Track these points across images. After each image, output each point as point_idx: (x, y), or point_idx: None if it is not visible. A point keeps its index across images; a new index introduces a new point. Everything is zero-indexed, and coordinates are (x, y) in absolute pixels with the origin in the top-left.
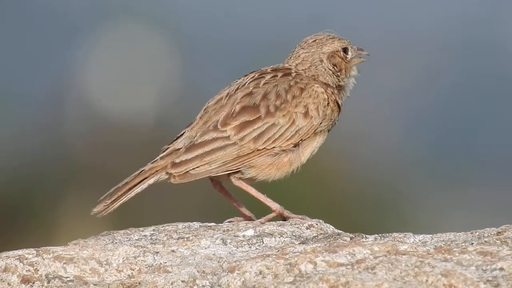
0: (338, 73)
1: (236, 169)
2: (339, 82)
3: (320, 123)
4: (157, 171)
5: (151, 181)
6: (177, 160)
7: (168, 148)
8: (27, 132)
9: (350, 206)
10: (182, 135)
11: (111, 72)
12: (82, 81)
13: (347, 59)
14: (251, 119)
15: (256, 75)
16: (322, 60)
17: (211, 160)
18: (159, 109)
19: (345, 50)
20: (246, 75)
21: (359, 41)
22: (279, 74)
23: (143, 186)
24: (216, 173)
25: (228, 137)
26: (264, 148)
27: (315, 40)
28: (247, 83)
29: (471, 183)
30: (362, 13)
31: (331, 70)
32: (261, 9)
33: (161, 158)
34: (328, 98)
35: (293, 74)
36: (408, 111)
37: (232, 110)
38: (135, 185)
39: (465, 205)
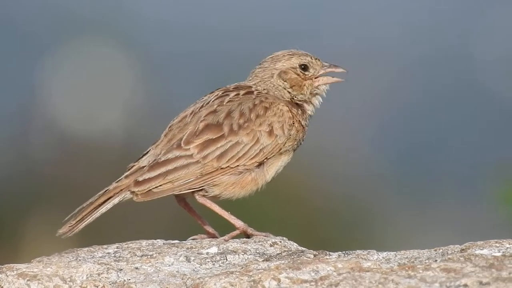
0: (290, 90)
1: (200, 187)
2: (293, 98)
3: (285, 143)
4: (121, 190)
5: (116, 200)
6: (140, 179)
7: (133, 166)
8: None
9: (316, 221)
10: (147, 153)
11: (77, 90)
12: (48, 99)
13: (306, 76)
14: (214, 137)
15: (220, 93)
16: (272, 76)
17: (174, 178)
18: (126, 126)
19: (303, 67)
20: (212, 92)
21: (328, 51)
22: (241, 92)
23: (108, 205)
24: (179, 191)
25: (191, 156)
26: (228, 166)
27: (272, 57)
28: (211, 101)
29: (436, 199)
30: (333, 22)
31: (280, 85)
32: (228, 21)
33: (125, 176)
34: (293, 118)
35: (255, 92)
36: (375, 124)
37: (196, 128)
38: (99, 205)
39: (429, 222)
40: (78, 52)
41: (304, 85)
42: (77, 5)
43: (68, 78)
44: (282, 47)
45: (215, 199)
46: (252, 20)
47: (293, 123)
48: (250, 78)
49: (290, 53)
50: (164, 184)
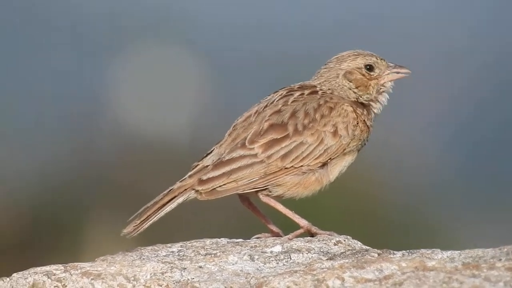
0: (355, 90)
1: (263, 187)
2: (358, 99)
3: (349, 144)
4: (185, 189)
5: (180, 199)
6: (204, 177)
7: (197, 165)
8: (60, 151)
9: (379, 224)
10: (211, 152)
11: (143, 93)
12: (114, 102)
13: (372, 76)
14: (279, 137)
15: (285, 92)
16: (338, 76)
17: (238, 177)
18: (192, 128)
19: (369, 67)
20: (276, 92)
21: (396, 60)
22: (306, 92)
23: (173, 205)
24: (243, 191)
25: (255, 155)
26: (292, 166)
27: (337, 57)
28: (275, 100)
29: (503, 203)
30: (401, 31)
31: (346, 86)
32: (292, 20)
33: (189, 176)
34: (357, 118)
35: (320, 92)
36: (442, 134)
37: (260, 128)
38: (164, 204)
39: (495, 223)
40: (143, 55)
41: (370, 85)
42: (142, 9)
43: (134, 81)
44: (347, 47)
45: (278, 198)
46: (317, 18)
47: (357, 124)
48: (315, 78)
49: (355, 53)
50: (228, 183)
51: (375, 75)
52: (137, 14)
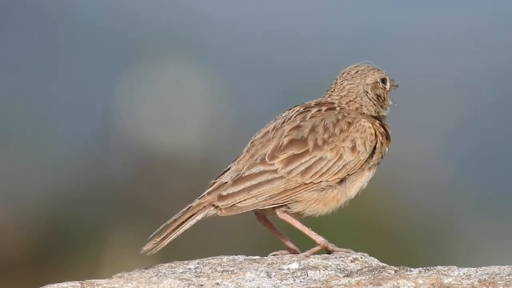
0: (382, 104)
1: (283, 202)
2: (383, 112)
3: (372, 158)
4: (204, 206)
5: (199, 217)
6: (224, 193)
7: (214, 183)
8: (76, 165)
9: (396, 240)
10: (228, 169)
11: (155, 106)
12: (127, 116)
13: (386, 89)
14: (299, 152)
15: (302, 109)
16: (367, 92)
17: (258, 193)
18: (205, 141)
19: (383, 81)
20: (291, 109)
21: (413, 73)
22: (323, 108)
23: (192, 222)
24: (263, 207)
25: (275, 171)
26: (311, 182)
27: (357, 72)
28: (293, 117)
29: None
30: (419, 42)
31: (375, 100)
32: (305, 29)
33: (208, 193)
34: (375, 133)
35: (338, 108)
36: (459, 150)
37: (280, 143)
38: (183, 222)
39: (509, 240)
40: (155, 68)
41: (385, 98)
42: (150, 23)
43: (146, 94)
44: (361, 58)
45: (298, 216)
46: (330, 27)
47: (376, 137)
48: (332, 92)
49: (370, 67)
50: (248, 198)
51: (387, 89)
52: (147, 28)
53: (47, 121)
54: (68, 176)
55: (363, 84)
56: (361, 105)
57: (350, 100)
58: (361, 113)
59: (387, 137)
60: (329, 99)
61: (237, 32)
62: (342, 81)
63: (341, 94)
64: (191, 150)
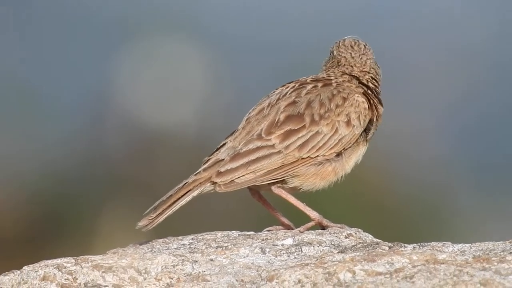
0: (379, 78)
1: (281, 177)
2: (377, 86)
3: (367, 133)
4: (200, 183)
5: (195, 193)
6: (222, 169)
7: (209, 159)
8: (68, 143)
9: (390, 218)
10: (223, 146)
11: (149, 83)
12: (121, 94)
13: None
14: (296, 128)
15: (296, 85)
16: (371, 65)
17: (256, 168)
18: (199, 118)
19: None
20: (284, 85)
21: (405, 49)
22: (319, 84)
23: (187, 198)
24: (261, 182)
25: (273, 146)
26: (308, 156)
27: (365, 46)
28: (288, 93)
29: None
30: (413, 17)
31: (375, 75)
32: (300, 7)
33: (204, 170)
34: (371, 107)
35: (334, 84)
36: (453, 126)
37: (276, 119)
38: (179, 198)
39: (505, 215)
40: (150, 45)
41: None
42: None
43: (141, 71)
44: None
45: (294, 191)
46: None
47: (370, 112)
48: (352, 65)
49: (365, 43)
50: (246, 174)
51: None
52: (142, 6)
53: (42, 100)
54: (64, 154)
55: (369, 58)
56: (379, 83)
57: (372, 78)
58: (354, 89)
59: (379, 112)
60: (325, 75)
61: (232, 10)
62: (360, 55)
63: (365, 70)
64: (186, 127)
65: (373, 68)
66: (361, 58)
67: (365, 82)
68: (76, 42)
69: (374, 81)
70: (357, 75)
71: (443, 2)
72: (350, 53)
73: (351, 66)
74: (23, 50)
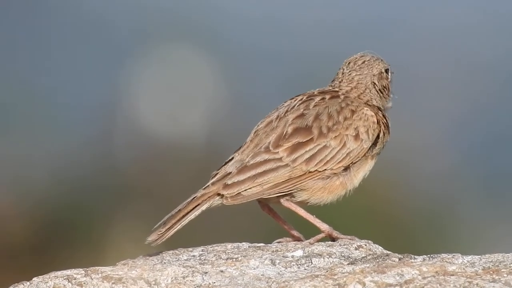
0: (387, 94)
1: (288, 191)
2: (387, 104)
3: (375, 147)
4: (209, 197)
5: (204, 207)
6: (229, 182)
7: (217, 173)
8: (78, 152)
9: (399, 230)
10: (231, 159)
11: (160, 91)
12: (132, 101)
13: (389, 79)
14: (304, 141)
15: (304, 98)
16: (374, 83)
17: (263, 181)
18: (208, 126)
19: (387, 71)
20: (293, 98)
21: (416, 63)
22: (327, 97)
23: (196, 212)
24: (268, 195)
25: (280, 159)
26: (316, 170)
27: (363, 62)
28: (296, 105)
29: None
30: (424, 30)
31: (382, 92)
32: (309, 18)
33: (212, 183)
34: (378, 122)
35: (342, 97)
36: (461, 139)
37: (284, 132)
38: (188, 212)
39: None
40: (160, 53)
41: (389, 89)
42: (157, 7)
43: (151, 79)
44: (365, 48)
45: (302, 204)
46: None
47: (378, 127)
48: (341, 81)
49: (375, 57)
50: (253, 187)
51: (389, 79)
52: (153, 15)
53: (52, 108)
54: (73, 163)
55: (371, 75)
56: (371, 98)
57: (361, 93)
58: (364, 103)
59: (387, 128)
60: (332, 88)
61: (242, 19)
62: (350, 71)
63: (350, 85)
64: (196, 137)
65: (361, 83)
66: (350, 74)
67: (354, 96)
68: (87, 50)
69: (364, 95)
70: (336, 90)
71: (455, 16)
72: (343, 70)
73: (339, 82)
74: (35, 57)
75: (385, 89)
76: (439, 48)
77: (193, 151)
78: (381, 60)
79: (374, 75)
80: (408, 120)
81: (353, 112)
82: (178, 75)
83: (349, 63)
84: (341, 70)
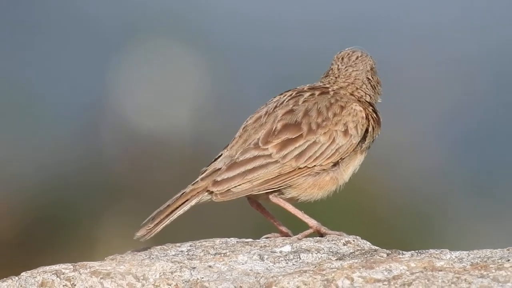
0: (378, 89)
1: (278, 187)
2: (378, 99)
3: (364, 142)
4: (198, 192)
5: (193, 202)
6: (219, 178)
7: (207, 169)
8: (65, 149)
9: (388, 224)
10: (220, 156)
11: (146, 87)
12: (118, 96)
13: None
14: (293, 137)
15: (294, 93)
16: (369, 78)
17: (253, 178)
18: (194, 122)
19: (375, 66)
20: (282, 94)
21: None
22: (317, 92)
23: (185, 208)
24: (258, 191)
25: (270, 155)
26: (305, 166)
27: (357, 57)
28: (285, 101)
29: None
30: (410, 28)
31: (375, 88)
32: (291, 15)
33: (201, 179)
34: (367, 116)
35: (331, 93)
36: (448, 136)
37: (273, 128)
38: (177, 208)
39: (502, 222)
40: (146, 49)
41: (380, 84)
42: (144, 3)
43: (138, 75)
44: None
45: (292, 201)
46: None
47: (367, 122)
48: (338, 77)
49: (365, 52)
50: (243, 183)
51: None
52: (137, 9)
53: (40, 105)
54: (60, 160)
55: (365, 71)
56: (366, 93)
57: (357, 88)
58: (354, 99)
59: (378, 122)
60: (321, 84)
61: (229, 16)
62: (346, 67)
63: (348, 81)
64: (183, 134)
65: (358, 79)
66: (347, 70)
67: (349, 92)
68: (73, 48)
69: (360, 91)
70: (341, 86)
71: (439, 13)
72: (338, 65)
73: (335, 77)
74: (22, 55)
75: (378, 84)
76: (424, 46)
77: (181, 148)
78: (370, 56)
79: (368, 70)
80: (395, 117)
81: (342, 108)
82: (165, 72)
83: (343, 58)
84: (336, 66)
